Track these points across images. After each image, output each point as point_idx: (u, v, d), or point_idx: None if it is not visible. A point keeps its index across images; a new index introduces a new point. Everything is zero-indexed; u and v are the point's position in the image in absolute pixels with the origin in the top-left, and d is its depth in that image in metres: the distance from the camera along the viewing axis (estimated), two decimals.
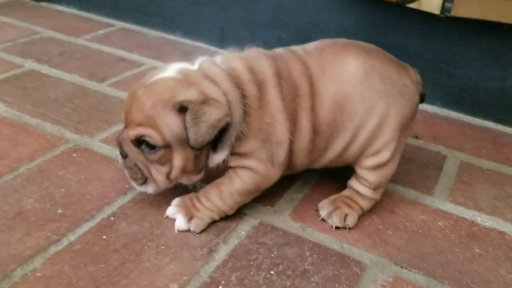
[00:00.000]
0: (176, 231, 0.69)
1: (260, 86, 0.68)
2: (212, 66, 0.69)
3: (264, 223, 0.72)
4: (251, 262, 0.65)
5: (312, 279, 0.63)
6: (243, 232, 0.70)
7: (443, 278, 0.65)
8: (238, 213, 0.73)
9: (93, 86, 1.10)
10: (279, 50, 0.76)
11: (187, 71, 0.67)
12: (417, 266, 0.67)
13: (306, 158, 0.72)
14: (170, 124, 0.63)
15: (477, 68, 1.07)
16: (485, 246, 0.72)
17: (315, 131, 0.70)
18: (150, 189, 0.69)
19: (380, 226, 0.74)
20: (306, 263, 0.65)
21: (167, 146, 0.64)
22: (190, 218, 0.69)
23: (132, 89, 0.67)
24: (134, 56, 1.28)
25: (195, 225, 0.68)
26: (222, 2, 1.34)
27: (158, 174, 0.67)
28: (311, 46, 0.76)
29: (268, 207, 0.76)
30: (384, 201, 0.79)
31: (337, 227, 0.72)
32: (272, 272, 0.63)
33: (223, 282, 0.61)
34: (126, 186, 0.77)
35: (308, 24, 1.23)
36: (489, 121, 1.10)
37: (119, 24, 1.51)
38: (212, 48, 1.39)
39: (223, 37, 1.38)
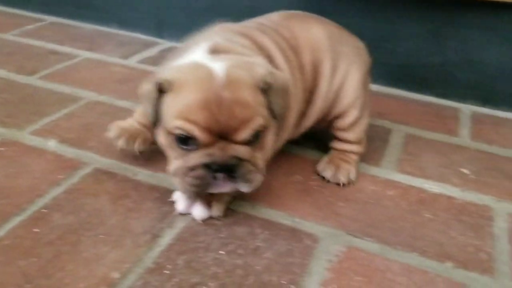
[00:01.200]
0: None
1: (271, 60, 0.68)
2: (241, 41, 0.67)
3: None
4: (199, 244, 0.61)
5: (264, 255, 0.60)
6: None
7: (396, 244, 0.64)
8: None
9: (22, 79, 1.03)
10: (249, 24, 0.76)
11: (228, 50, 0.63)
12: (370, 234, 0.65)
13: (295, 127, 0.74)
14: (262, 103, 0.59)
15: (417, 44, 1.08)
16: (435, 211, 0.71)
17: (307, 100, 0.73)
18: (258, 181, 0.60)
19: (330, 199, 0.72)
20: (257, 240, 0.62)
21: (265, 127, 0.60)
22: None
23: (219, 94, 0.56)
24: (66, 49, 1.21)
25: None
26: None
27: (261, 162, 0.61)
28: (275, 17, 0.78)
29: None
30: None
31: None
32: (221, 252, 0.60)
33: (169, 266, 0.57)
34: (60, 176, 0.71)
35: (248, 8, 1.20)
36: (431, 96, 1.11)
37: (49, 18, 1.43)
38: (150, 38, 1.33)
39: (161, 26, 1.33)
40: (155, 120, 0.61)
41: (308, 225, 0.66)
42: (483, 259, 0.63)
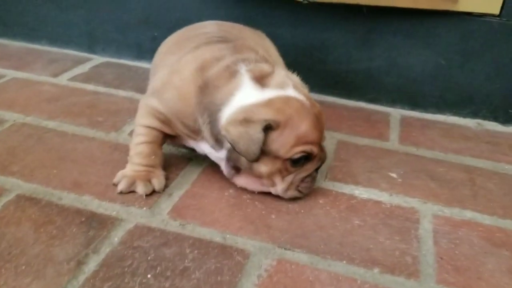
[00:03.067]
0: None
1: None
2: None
3: (139, 225, 0.68)
4: (126, 269, 0.60)
5: (193, 276, 0.59)
6: (116, 239, 0.64)
7: (325, 253, 0.65)
8: (110, 218, 0.67)
9: None
10: (214, 37, 0.81)
11: (267, 73, 0.73)
12: (300, 245, 0.66)
13: None
14: None
15: (345, 52, 1.11)
16: (364, 217, 0.73)
17: None
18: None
19: (263, 212, 0.72)
20: (186, 261, 0.62)
21: None
22: None
23: (314, 114, 0.71)
24: None
25: None
26: (88, 4, 1.26)
27: None
28: (226, 26, 0.90)
29: (145, 208, 0.71)
30: None
31: None
32: (149, 275, 0.59)
33: None
34: None
35: (180, 20, 1.19)
36: (361, 102, 1.14)
37: None
38: (82, 54, 1.30)
39: (93, 41, 1.30)
40: (258, 157, 0.67)
41: (239, 241, 0.66)
42: (409, 263, 0.65)
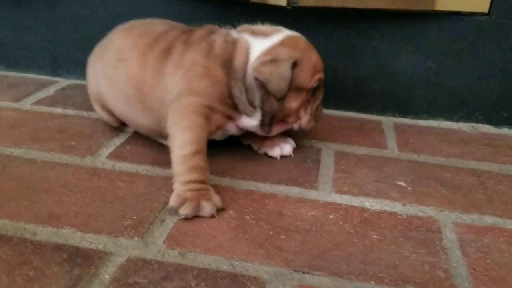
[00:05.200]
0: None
1: None
2: None
3: (133, 259, 0.58)
4: None
5: None
6: (106, 276, 0.55)
7: (349, 274, 0.57)
8: (97, 253, 0.58)
9: None
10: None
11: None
12: (319, 267, 0.58)
13: None
14: None
15: (331, 59, 1.06)
16: (381, 230, 0.66)
17: None
18: None
19: (270, 232, 0.64)
20: None
21: None
22: None
23: (317, 54, 0.80)
24: None
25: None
26: (49, 23, 1.17)
27: None
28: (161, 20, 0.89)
29: (136, 238, 0.61)
30: (269, 205, 0.70)
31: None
32: None
33: None
34: None
35: None
36: (351, 111, 1.09)
37: None
38: (44, 77, 1.20)
39: (56, 62, 1.20)
40: (286, 93, 0.73)
41: (250, 267, 0.57)
42: (442, 277, 0.58)
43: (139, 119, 0.81)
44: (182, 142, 0.69)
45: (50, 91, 1.11)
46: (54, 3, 1.14)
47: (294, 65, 0.74)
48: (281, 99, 0.74)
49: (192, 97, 0.72)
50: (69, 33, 1.16)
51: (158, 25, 0.85)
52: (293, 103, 0.77)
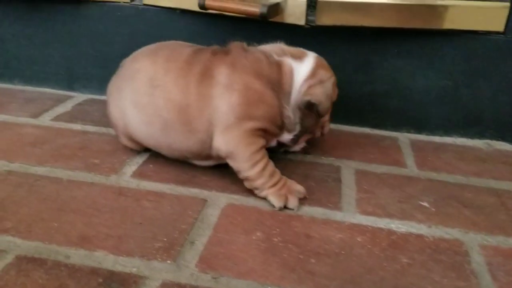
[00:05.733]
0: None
1: None
2: None
3: (167, 283, 0.58)
4: None
5: None
6: None
7: None
8: (132, 277, 0.58)
9: None
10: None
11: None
12: None
13: None
14: None
15: (347, 75, 1.06)
16: (410, 254, 0.67)
17: None
18: None
19: (300, 256, 0.65)
20: None
21: None
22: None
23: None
24: None
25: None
26: (66, 38, 1.17)
27: None
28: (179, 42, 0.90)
29: (168, 261, 0.62)
30: (295, 226, 0.71)
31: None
32: None
33: None
34: None
35: None
36: (366, 127, 1.10)
37: None
38: (60, 92, 1.20)
39: (72, 77, 1.20)
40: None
41: None
42: None
43: (179, 143, 0.80)
44: (255, 162, 0.77)
45: (68, 106, 1.11)
46: (72, 19, 1.15)
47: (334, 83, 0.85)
48: (326, 113, 0.84)
49: (251, 122, 0.77)
50: (85, 48, 1.17)
51: (179, 47, 0.85)
52: (326, 116, 0.88)
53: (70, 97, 1.17)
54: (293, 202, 0.76)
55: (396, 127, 1.09)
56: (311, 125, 0.85)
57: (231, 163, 0.78)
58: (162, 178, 0.81)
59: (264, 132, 0.79)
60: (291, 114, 0.81)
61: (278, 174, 0.78)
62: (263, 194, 0.77)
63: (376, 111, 1.09)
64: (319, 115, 0.82)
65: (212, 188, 0.80)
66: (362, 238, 0.69)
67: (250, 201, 0.77)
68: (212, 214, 0.73)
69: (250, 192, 0.79)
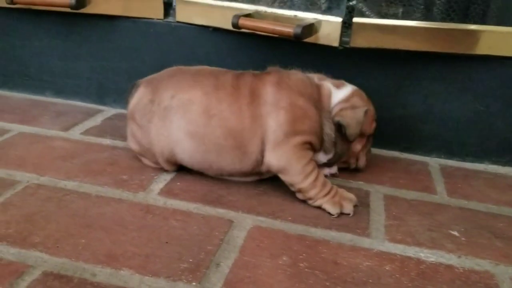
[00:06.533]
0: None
1: None
2: None
3: None
4: None
5: None
6: None
7: None
8: None
9: None
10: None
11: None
12: None
13: None
14: None
15: (379, 99, 1.05)
16: (440, 285, 0.65)
17: None
18: None
19: (327, 283, 0.63)
20: None
21: None
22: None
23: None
24: None
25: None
26: (97, 53, 1.20)
27: None
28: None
29: (194, 283, 0.61)
30: (322, 252, 0.70)
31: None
32: None
33: None
34: None
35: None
36: (395, 151, 1.08)
37: None
38: (91, 105, 1.22)
39: (103, 91, 1.22)
40: (357, 136, 0.87)
41: None
42: None
43: (232, 165, 0.84)
44: (307, 174, 0.80)
45: (97, 120, 1.13)
46: (105, 34, 1.17)
47: (365, 113, 0.85)
48: (353, 141, 0.86)
49: (298, 136, 0.80)
50: (117, 63, 1.19)
51: (221, 74, 0.87)
52: (358, 145, 0.90)
53: (100, 111, 1.19)
54: (348, 208, 0.80)
55: (426, 151, 1.07)
56: (343, 150, 0.88)
57: (283, 177, 0.82)
58: (189, 197, 0.82)
59: (310, 145, 0.83)
60: (329, 131, 0.85)
61: (329, 184, 0.82)
62: (317, 203, 0.81)
63: (406, 135, 1.07)
64: (348, 139, 0.85)
65: (238, 209, 0.79)
66: (391, 266, 0.68)
67: (276, 224, 0.76)
68: (238, 236, 0.72)
69: (276, 214, 0.78)
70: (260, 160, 0.82)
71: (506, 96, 1.00)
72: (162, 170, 0.89)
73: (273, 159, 0.81)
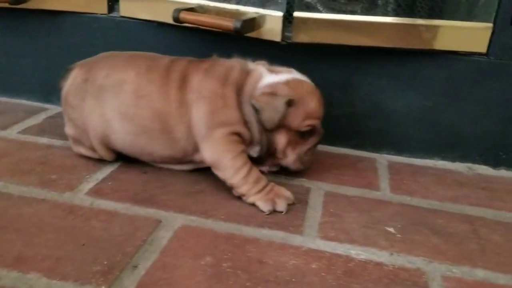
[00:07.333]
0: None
1: None
2: None
3: None
4: None
5: None
6: None
7: None
8: None
9: None
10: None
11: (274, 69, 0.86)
12: None
13: None
14: None
15: (326, 95, 1.02)
16: (365, 283, 0.63)
17: None
18: None
19: (247, 283, 0.61)
20: None
21: None
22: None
23: (319, 103, 0.85)
24: None
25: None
26: (42, 49, 1.16)
27: None
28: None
29: (103, 287, 0.58)
30: (249, 251, 0.67)
31: None
32: None
33: None
34: None
35: None
36: (346, 148, 1.06)
37: None
38: (35, 104, 1.18)
39: (48, 89, 1.18)
40: (276, 126, 0.80)
41: None
42: None
43: (162, 150, 0.83)
44: (236, 169, 0.78)
45: (39, 118, 1.09)
46: (49, 30, 1.14)
47: (290, 103, 0.79)
48: (270, 130, 0.80)
49: (221, 128, 0.78)
50: (62, 60, 1.14)
51: (158, 57, 0.87)
52: (281, 138, 0.82)
53: (44, 109, 1.15)
54: (281, 205, 0.77)
55: (376, 148, 1.05)
56: (267, 141, 0.83)
57: (216, 172, 0.80)
58: (119, 197, 0.78)
59: (239, 137, 0.80)
60: (251, 118, 0.80)
61: (264, 180, 0.80)
62: (250, 200, 0.78)
63: (355, 132, 1.05)
64: (265, 126, 0.80)
65: (170, 208, 0.76)
66: (317, 264, 0.65)
67: (207, 223, 0.73)
68: (164, 237, 0.69)
69: (209, 213, 0.76)
70: (189, 150, 0.81)
71: (452, 92, 0.98)
72: (96, 168, 0.86)
73: (205, 153, 0.80)
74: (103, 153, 0.86)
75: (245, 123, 0.81)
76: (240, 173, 0.78)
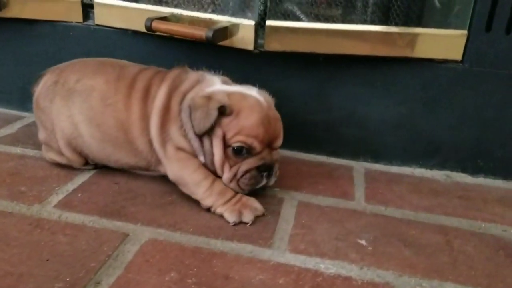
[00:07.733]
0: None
1: None
2: None
3: None
4: None
5: None
6: None
7: None
8: None
9: None
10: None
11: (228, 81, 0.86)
12: None
13: None
14: None
15: (301, 103, 1.03)
16: None
17: None
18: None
19: None
20: None
21: None
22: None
23: (267, 114, 0.78)
24: None
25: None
26: (18, 57, 1.15)
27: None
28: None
29: None
30: (216, 266, 0.66)
31: None
32: None
33: None
34: None
35: None
36: (321, 155, 1.06)
37: None
38: (12, 112, 1.17)
39: (25, 97, 1.17)
40: (206, 132, 0.76)
41: None
42: None
43: (127, 159, 0.83)
44: (197, 183, 0.78)
45: (14, 128, 1.08)
46: (25, 38, 1.13)
47: (223, 110, 0.75)
48: (200, 134, 0.76)
49: (168, 144, 0.78)
50: (38, 67, 1.12)
51: (128, 65, 0.88)
52: (217, 150, 0.77)
53: (20, 118, 1.14)
54: (248, 216, 0.76)
55: (352, 155, 1.05)
56: (205, 150, 0.79)
57: (180, 188, 0.81)
58: (87, 209, 0.77)
59: (192, 152, 0.80)
60: (185, 118, 0.78)
61: (230, 192, 0.79)
62: (218, 211, 0.77)
63: (331, 139, 1.05)
64: (194, 129, 0.76)
65: (138, 221, 0.75)
66: (285, 280, 0.65)
67: (175, 236, 0.72)
68: (130, 251, 0.68)
69: (178, 225, 0.75)
70: (152, 161, 0.82)
71: (427, 99, 0.98)
72: (67, 179, 0.85)
73: (167, 170, 0.81)
74: (70, 156, 0.86)
75: (184, 133, 0.78)
76: (202, 186, 0.77)
